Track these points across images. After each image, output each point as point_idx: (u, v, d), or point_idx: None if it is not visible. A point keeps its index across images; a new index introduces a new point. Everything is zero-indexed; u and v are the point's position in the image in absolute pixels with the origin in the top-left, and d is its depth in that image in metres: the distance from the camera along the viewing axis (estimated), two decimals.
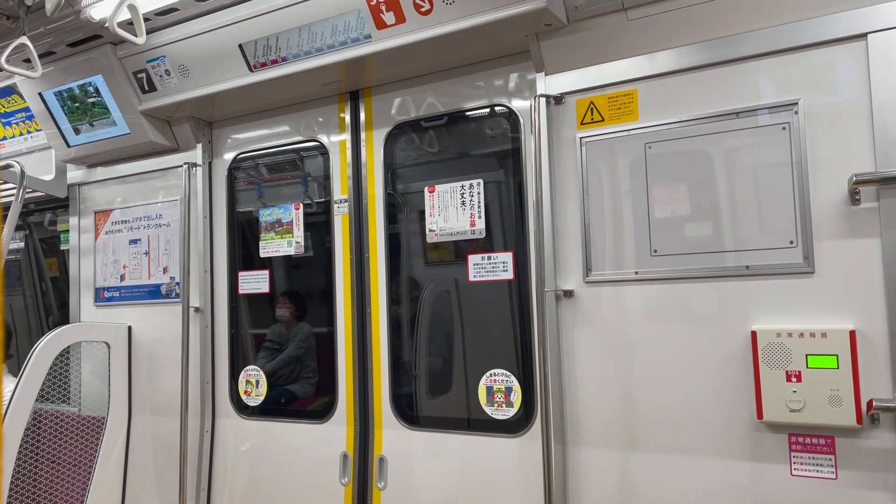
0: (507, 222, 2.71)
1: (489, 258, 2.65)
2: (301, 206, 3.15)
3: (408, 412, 2.84)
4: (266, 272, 3.24)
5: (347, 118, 3.06)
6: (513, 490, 2.52)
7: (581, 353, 2.37)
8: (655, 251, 2.25)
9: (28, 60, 2.85)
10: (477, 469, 2.61)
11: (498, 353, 2.71)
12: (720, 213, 2.15)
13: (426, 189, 2.79)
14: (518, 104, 2.65)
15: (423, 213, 2.80)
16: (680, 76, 2.23)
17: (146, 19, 2.74)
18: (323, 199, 3.12)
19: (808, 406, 1.96)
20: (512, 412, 2.57)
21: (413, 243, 2.94)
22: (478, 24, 2.35)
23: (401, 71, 2.83)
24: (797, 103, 2.05)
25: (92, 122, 3.34)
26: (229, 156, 3.37)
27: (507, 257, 2.62)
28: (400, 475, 2.78)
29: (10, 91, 3.64)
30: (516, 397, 2.56)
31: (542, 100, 2.41)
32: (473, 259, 2.68)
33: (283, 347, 3.38)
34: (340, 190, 3.04)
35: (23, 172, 3.29)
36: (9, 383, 3.45)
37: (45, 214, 4.39)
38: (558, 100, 2.44)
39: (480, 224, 2.67)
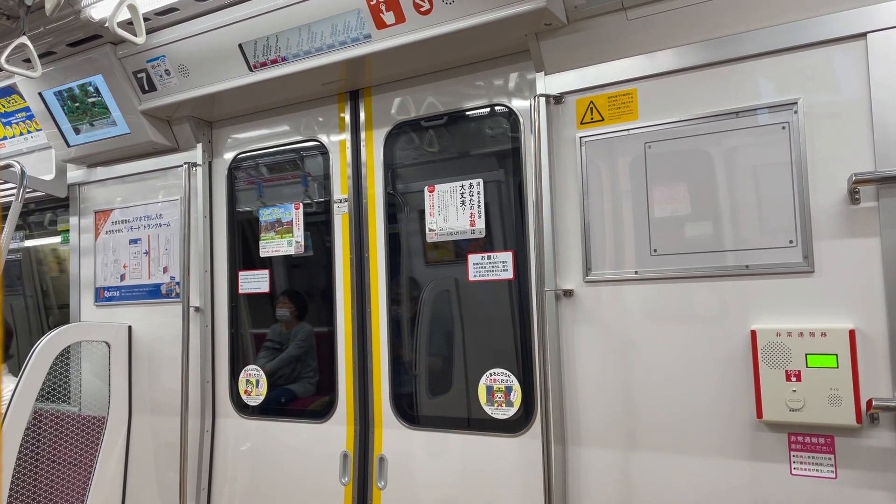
0: (507, 222, 2.71)
1: (489, 258, 2.65)
2: (301, 205, 3.15)
3: (408, 412, 2.85)
4: (266, 272, 3.24)
5: (347, 118, 3.06)
6: (513, 490, 2.53)
7: (581, 352, 2.37)
8: (655, 251, 2.25)
9: (28, 60, 2.85)
10: (477, 469, 2.61)
11: (498, 352, 2.71)
12: (720, 213, 2.15)
13: (426, 189, 2.79)
14: (518, 104, 2.65)
15: (422, 212, 2.80)
16: (679, 76, 2.23)
17: (146, 19, 2.74)
18: (323, 199, 3.13)
19: (807, 405, 1.97)
20: (512, 412, 2.57)
21: (413, 243, 2.94)
22: (477, 23, 2.35)
23: (401, 71, 2.83)
24: (797, 103, 2.06)
25: (92, 122, 3.34)
26: (229, 155, 3.37)
27: (506, 257, 2.62)
28: (400, 475, 2.78)
29: (10, 91, 3.64)
30: (516, 397, 2.57)
31: (542, 99, 2.41)
32: (473, 259, 2.68)
33: (284, 347, 3.38)
34: (340, 190, 3.04)
35: (23, 172, 3.29)
36: (9, 383, 3.46)
37: (45, 214, 4.40)
38: (558, 99, 2.44)
39: (480, 224, 2.67)
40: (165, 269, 3.42)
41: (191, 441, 3.19)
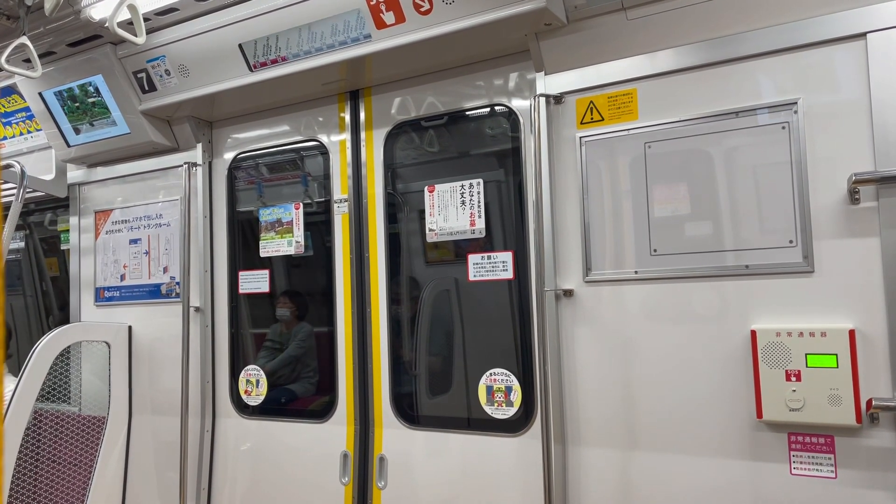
0: (507, 222, 2.71)
1: (489, 258, 2.65)
2: (301, 205, 3.15)
3: (408, 412, 2.85)
4: (266, 272, 3.24)
5: (347, 118, 3.06)
6: (513, 489, 2.53)
7: (581, 352, 2.37)
8: (655, 251, 2.25)
9: (28, 60, 2.85)
10: (477, 469, 2.61)
11: (498, 352, 2.71)
12: (720, 213, 2.15)
13: (426, 189, 2.79)
14: (518, 104, 2.65)
15: (422, 212, 2.80)
16: (679, 76, 2.23)
17: (146, 19, 2.74)
18: (323, 199, 3.13)
19: (807, 405, 1.97)
20: (512, 411, 2.57)
21: (413, 243, 2.94)
22: (477, 23, 2.35)
23: (401, 70, 2.83)
24: (797, 103, 2.06)
25: (92, 122, 3.34)
26: (229, 155, 3.37)
27: (506, 257, 2.62)
28: (400, 474, 2.78)
29: (11, 91, 3.64)
30: (516, 397, 2.57)
31: (542, 99, 2.41)
32: (473, 259, 2.68)
33: (284, 347, 3.38)
34: (340, 189, 3.04)
35: (23, 172, 3.29)
36: (9, 383, 3.46)
37: (45, 214, 4.40)
38: (558, 99, 2.44)
39: (480, 224, 2.67)
40: (165, 269, 3.42)
41: (191, 441, 3.19)
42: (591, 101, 2.39)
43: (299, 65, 2.74)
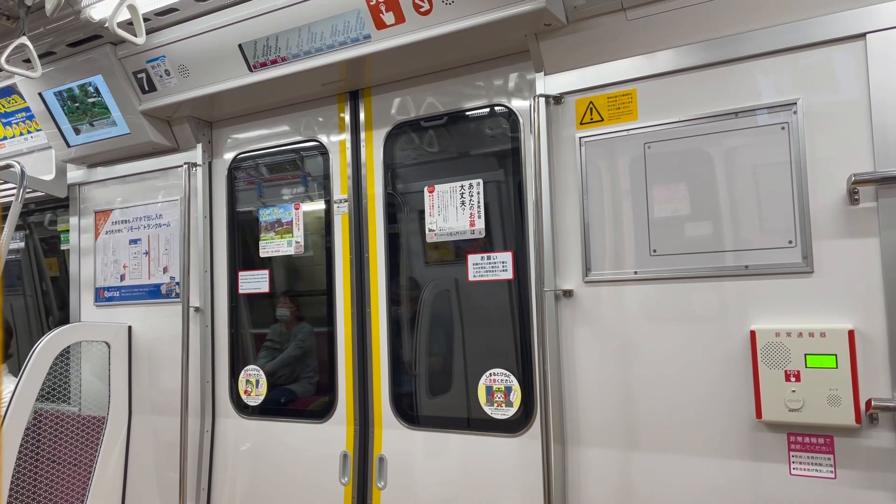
0: (507, 222, 2.71)
1: (489, 258, 2.65)
2: (301, 205, 3.15)
3: (408, 412, 2.85)
4: (266, 272, 3.24)
5: (347, 118, 3.06)
6: (512, 490, 2.53)
7: (580, 352, 2.37)
8: (655, 251, 2.25)
9: (28, 60, 2.86)
10: (477, 469, 2.62)
11: (497, 352, 2.71)
12: (719, 213, 2.16)
13: (426, 189, 2.79)
14: (518, 104, 2.65)
15: (422, 212, 2.81)
16: (679, 76, 2.23)
17: (146, 19, 2.74)
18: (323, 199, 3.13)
19: (807, 405, 1.97)
20: (512, 412, 2.57)
21: (413, 243, 2.94)
22: (477, 24, 2.35)
23: (400, 71, 2.83)
24: (796, 103, 2.06)
25: (92, 122, 3.34)
26: (229, 156, 3.37)
27: (506, 257, 2.62)
28: (400, 475, 2.78)
29: (10, 91, 3.64)
30: (516, 397, 2.57)
31: (542, 100, 2.41)
32: (473, 259, 2.68)
33: (284, 347, 3.38)
34: (340, 190, 3.04)
35: (23, 172, 3.29)
36: (9, 383, 3.46)
37: (45, 214, 4.40)
38: (558, 100, 2.44)
39: (480, 224, 2.67)
40: (165, 270, 3.42)
41: (191, 441, 3.19)
42: (591, 102, 2.39)
43: (299, 65, 2.75)
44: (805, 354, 1.98)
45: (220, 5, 2.76)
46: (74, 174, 3.72)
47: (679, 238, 2.22)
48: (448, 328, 2.93)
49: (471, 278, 2.69)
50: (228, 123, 3.38)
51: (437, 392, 2.91)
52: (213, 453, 3.28)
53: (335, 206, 3.04)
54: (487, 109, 2.74)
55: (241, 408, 3.24)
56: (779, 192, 2.07)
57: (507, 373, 2.60)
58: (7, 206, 3.31)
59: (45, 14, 2.66)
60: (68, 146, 3.49)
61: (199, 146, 3.35)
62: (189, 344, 3.19)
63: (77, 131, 3.42)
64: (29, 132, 3.81)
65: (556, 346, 2.39)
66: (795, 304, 2.04)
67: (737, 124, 2.14)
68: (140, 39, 2.66)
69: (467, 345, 2.88)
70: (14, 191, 3.28)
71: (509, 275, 2.62)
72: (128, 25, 2.64)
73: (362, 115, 3.02)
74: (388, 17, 2.48)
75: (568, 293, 2.39)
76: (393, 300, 2.90)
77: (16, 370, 3.37)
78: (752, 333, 2.06)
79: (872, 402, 1.88)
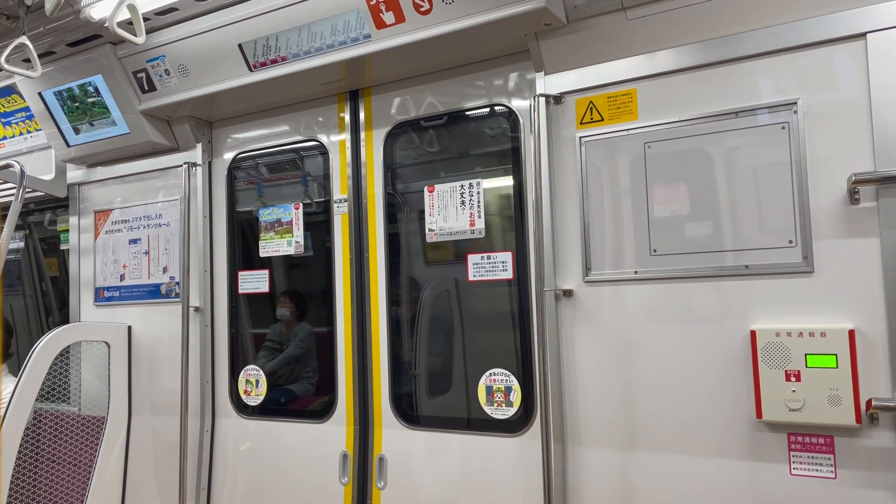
0: (507, 222, 2.71)
1: (489, 258, 2.65)
2: (301, 205, 3.15)
3: (407, 412, 2.84)
4: (266, 272, 3.24)
5: (347, 118, 3.06)
6: (512, 490, 2.53)
7: (581, 352, 2.37)
8: (655, 251, 2.25)
9: (28, 60, 2.85)
10: (477, 469, 2.61)
11: (497, 352, 2.71)
12: (719, 213, 2.15)
13: (426, 189, 2.79)
14: (518, 104, 2.65)
15: (422, 212, 2.80)
16: (679, 76, 2.23)
17: (146, 19, 2.74)
18: (323, 199, 3.13)
19: (807, 405, 1.97)
20: (512, 412, 2.57)
21: (413, 243, 2.94)
22: (477, 23, 2.35)
23: (400, 70, 2.83)
24: (796, 103, 2.06)
25: (92, 122, 3.34)
26: (229, 155, 3.37)
27: (506, 257, 2.62)
28: (400, 475, 2.78)
29: (10, 91, 3.64)
30: (516, 397, 2.57)
31: (542, 99, 2.41)
32: (473, 259, 2.68)
33: (284, 347, 3.38)
34: (340, 189, 3.04)
35: (23, 172, 3.29)
36: (9, 383, 3.46)
37: (44, 214, 4.40)
38: (558, 99, 2.44)
39: (480, 224, 2.67)
40: (165, 269, 3.42)
41: (190, 441, 3.19)
42: (591, 101, 2.39)
43: (299, 65, 2.74)
44: (805, 354, 1.98)
45: (220, 5, 2.76)
46: (74, 174, 3.72)
47: (679, 238, 2.21)
48: (448, 328, 2.93)
49: (471, 278, 2.69)
50: (228, 123, 3.38)
51: (437, 392, 2.91)
52: (212, 453, 3.27)
53: (335, 206, 3.04)
54: (487, 109, 2.74)
55: (241, 408, 3.24)
56: (779, 192, 2.07)
57: (507, 373, 2.59)
58: (7, 206, 3.30)
59: (44, 14, 2.66)
60: (68, 146, 3.49)
61: (199, 146, 3.35)
62: (189, 344, 3.19)
63: (77, 131, 3.42)
64: (28, 132, 3.81)
65: (556, 346, 2.38)
66: (796, 304, 2.03)
67: (737, 124, 2.14)
68: (140, 39, 2.66)
69: (467, 345, 2.88)
70: (14, 191, 3.28)
71: (509, 275, 2.62)
72: (127, 25, 2.64)
73: (362, 115, 3.02)
74: (388, 17, 2.48)
75: (568, 293, 2.39)
76: (393, 300, 2.90)
77: (16, 370, 3.37)
78: (753, 333, 2.06)
79: (873, 402, 1.88)
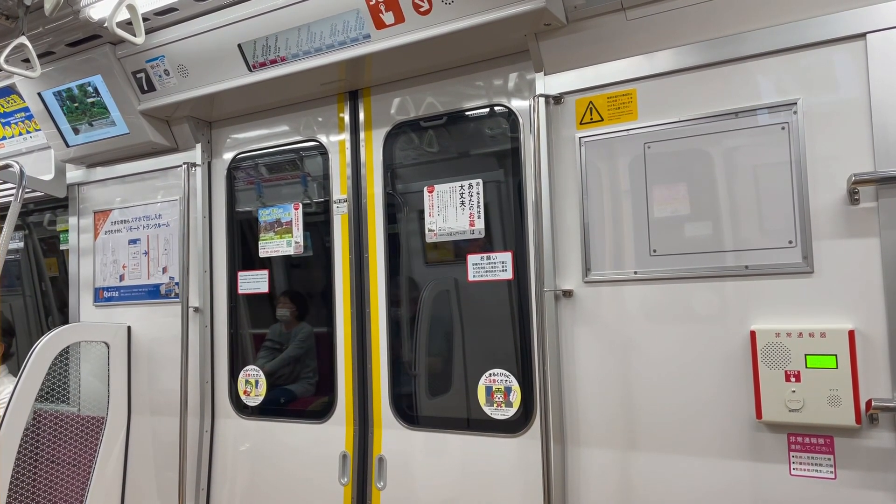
0: (507, 222, 2.71)
1: (488, 258, 2.65)
2: (300, 205, 3.15)
3: (407, 412, 2.84)
4: (265, 272, 3.24)
5: (347, 118, 3.06)
6: (512, 490, 2.52)
7: (580, 352, 2.37)
8: (655, 251, 2.25)
9: (27, 60, 2.85)
10: (476, 469, 2.61)
11: (497, 353, 2.71)
12: (719, 213, 2.15)
13: (425, 189, 2.79)
14: (517, 104, 2.65)
15: (422, 212, 2.80)
16: (679, 76, 2.23)
17: (145, 19, 2.74)
18: (322, 199, 3.12)
19: (807, 406, 1.96)
20: (511, 412, 2.57)
21: (412, 243, 2.94)
22: (477, 23, 2.35)
23: (400, 71, 2.83)
24: (796, 103, 2.05)
25: (91, 122, 3.34)
26: (228, 156, 3.37)
27: (506, 257, 2.62)
28: (399, 475, 2.78)
29: (10, 91, 3.64)
30: (516, 397, 2.56)
31: (542, 99, 2.41)
32: (473, 259, 2.68)
33: (284, 347, 3.38)
34: (340, 190, 3.04)
35: (22, 172, 3.28)
36: (9, 383, 3.46)
37: (44, 214, 4.39)
38: (557, 100, 2.44)
39: (480, 224, 2.67)
40: (164, 270, 3.42)
41: (190, 441, 3.19)
42: (591, 102, 2.39)
43: (298, 65, 2.74)
44: (805, 355, 1.97)
45: (220, 5, 2.75)
46: (73, 174, 3.72)
47: (679, 238, 2.21)
48: (448, 328, 2.93)
49: (470, 278, 2.69)
50: (228, 123, 3.38)
51: (437, 392, 2.91)
52: (212, 453, 3.27)
53: (335, 206, 3.04)
54: (487, 109, 2.74)
55: (241, 408, 3.24)
56: (779, 192, 2.06)
57: (507, 373, 2.59)
58: (6, 207, 3.30)
59: (44, 14, 2.66)
60: (67, 146, 3.49)
61: (199, 146, 3.35)
62: (188, 344, 3.18)
63: (76, 131, 3.41)
64: (28, 132, 3.81)
65: (555, 347, 2.38)
66: (795, 305, 2.03)
67: (737, 124, 2.14)
68: (139, 39, 2.65)
69: (467, 345, 2.88)
70: (13, 191, 3.27)
71: (509, 275, 2.62)
72: (127, 25, 2.63)
73: (362, 115, 3.02)
74: (388, 17, 2.48)
75: (568, 293, 2.39)
76: (392, 300, 2.90)
77: (16, 370, 3.37)
78: (753, 333, 2.06)
79: (872, 403, 1.88)
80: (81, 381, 3.44)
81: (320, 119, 3.13)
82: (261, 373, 3.21)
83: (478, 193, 2.68)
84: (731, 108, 2.15)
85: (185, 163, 3.28)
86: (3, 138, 3.92)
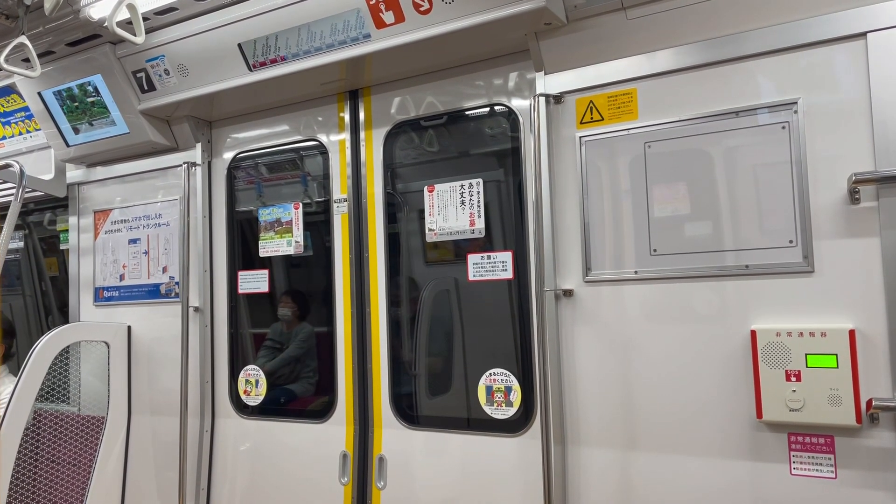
0: (507, 222, 2.71)
1: (488, 257, 2.65)
2: (300, 205, 3.15)
3: (407, 412, 2.84)
4: (265, 272, 3.24)
5: (347, 117, 3.06)
6: (512, 490, 2.52)
7: (581, 352, 2.37)
8: (655, 250, 2.25)
9: (27, 60, 2.85)
10: (477, 469, 2.61)
11: (497, 352, 2.71)
12: (720, 213, 2.15)
13: (426, 188, 2.78)
14: (517, 103, 2.65)
15: (422, 212, 2.80)
16: (679, 75, 2.23)
17: (145, 18, 2.74)
18: (322, 199, 3.12)
19: (807, 405, 1.96)
20: (511, 412, 2.57)
21: (413, 243, 2.94)
22: (477, 23, 2.35)
23: (400, 70, 2.83)
24: (797, 102, 2.05)
25: (91, 122, 3.34)
26: (229, 155, 3.37)
27: (506, 257, 2.62)
28: (399, 475, 2.78)
29: (10, 91, 3.64)
30: (516, 397, 2.56)
31: (542, 99, 2.41)
32: (473, 258, 2.68)
33: (284, 347, 3.38)
34: (340, 189, 3.04)
35: (22, 172, 3.28)
36: (9, 383, 3.46)
37: (44, 214, 4.39)
38: (558, 99, 2.44)
39: (480, 223, 2.67)
40: (165, 269, 3.42)
41: (190, 441, 3.19)
42: (591, 101, 2.39)
43: (298, 64, 2.74)
44: (806, 354, 1.97)
45: (220, 4, 2.75)
46: (73, 174, 3.72)
47: (679, 238, 2.21)
48: (448, 328, 2.93)
49: (471, 278, 2.69)
50: (228, 123, 3.38)
51: (437, 392, 2.91)
52: (212, 453, 3.27)
53: (335, 205, 3.04)
54: (487, 109, 2.74)
55: (241, 408, 3.24)
56: (779, 192, 2.06)
57: (507, 373, 2.59)
58: (6, 206, 3.30)
59: (44, 13, 2.66)
60: (67, 146, 3.49)
61: (199, 146, 3.35)
62: (188, 344, 3.18)
63: (76, 131, 3.41)
64: (28, 132, 3.81)
65: (556, 346, 2.38)
66: (796, 304, 2.03)
67: (737, 124, 2.14)
68: (139, 39, 2.65)
69: (467, 344, 2.88)
70: (13, 190, 3.27)
71: (509, 274, 2.61)
72: (127, 25, 2.63)
73: (362, 115, 3.02)
74: (388, 17, 2.48)
75: (568, 293, 2.39)
76: (393, 300, 2.90)
77: (16, 370, 3.36)
78: (753, 333, 2.06)
79: (873, 402, 1.88)
80: (81, 381, 3.44)
81: (320, 118, 3.13)
82: (261, 372, 3.21)
83: (478, 193, 2.68)
84: (732, 107, 2.14)
85: (185, 162, 3.28)
86: (3, 138, 3.92)
